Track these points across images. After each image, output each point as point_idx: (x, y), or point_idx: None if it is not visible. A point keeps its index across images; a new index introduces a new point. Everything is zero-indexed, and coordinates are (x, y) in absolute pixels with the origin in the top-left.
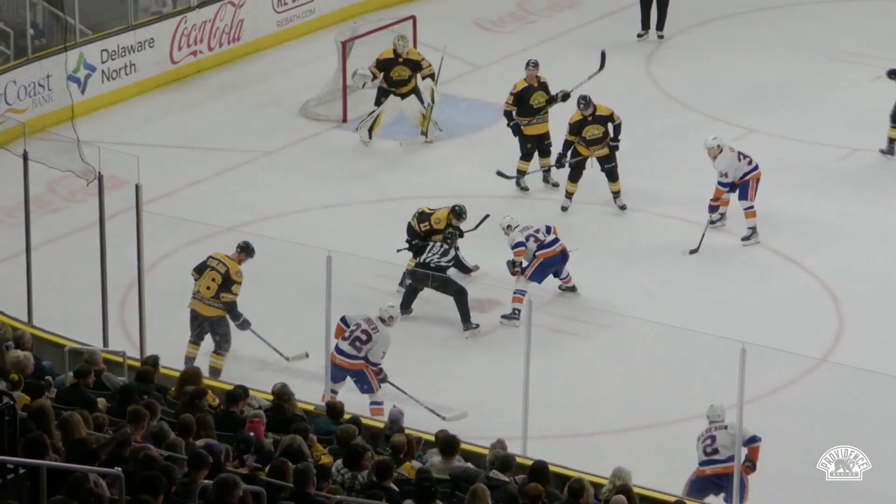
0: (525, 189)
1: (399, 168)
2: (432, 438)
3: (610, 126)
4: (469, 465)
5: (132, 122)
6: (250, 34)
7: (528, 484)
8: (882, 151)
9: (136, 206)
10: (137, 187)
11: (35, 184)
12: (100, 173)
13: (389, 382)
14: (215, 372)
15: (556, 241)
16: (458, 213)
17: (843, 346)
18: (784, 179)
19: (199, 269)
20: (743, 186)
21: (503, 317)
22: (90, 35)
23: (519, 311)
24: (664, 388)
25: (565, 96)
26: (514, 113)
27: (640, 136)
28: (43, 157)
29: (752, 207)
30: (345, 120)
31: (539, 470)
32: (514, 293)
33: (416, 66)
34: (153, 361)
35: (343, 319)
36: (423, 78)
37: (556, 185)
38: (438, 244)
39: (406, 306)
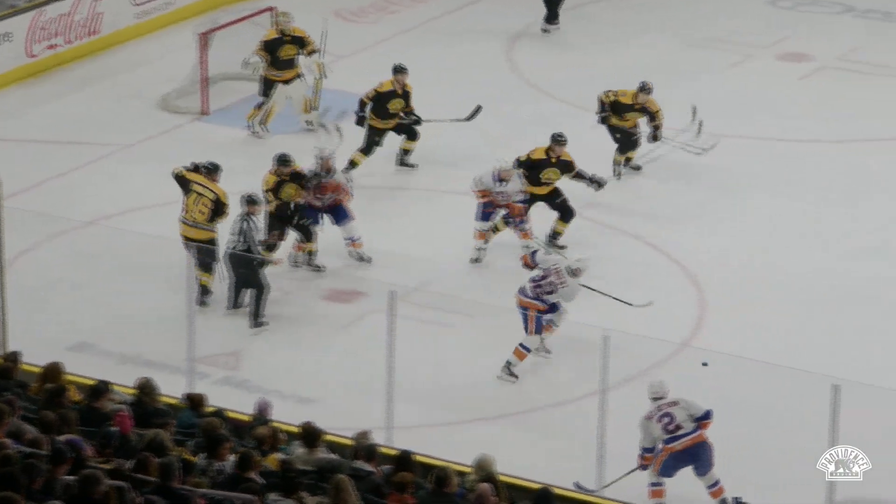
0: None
1: (258, 159)
2: (295, 429)
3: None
4: (333, 455)
5: None
6: (109, 27)
7: (393, 473)
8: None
9: None
10: None
11: None
12: None
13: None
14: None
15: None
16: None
17: (704, 332)
18: (648, 166)
19: (183, 185)
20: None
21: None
22: None
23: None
24: (524, 376)
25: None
26: (368, 107)
27: (503, 125)
28: None
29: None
30: (204, 112)
31: (404, 459)
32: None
33: (301, 42)
34: (13, 358)
35: (533, 255)
36: (309, 54)
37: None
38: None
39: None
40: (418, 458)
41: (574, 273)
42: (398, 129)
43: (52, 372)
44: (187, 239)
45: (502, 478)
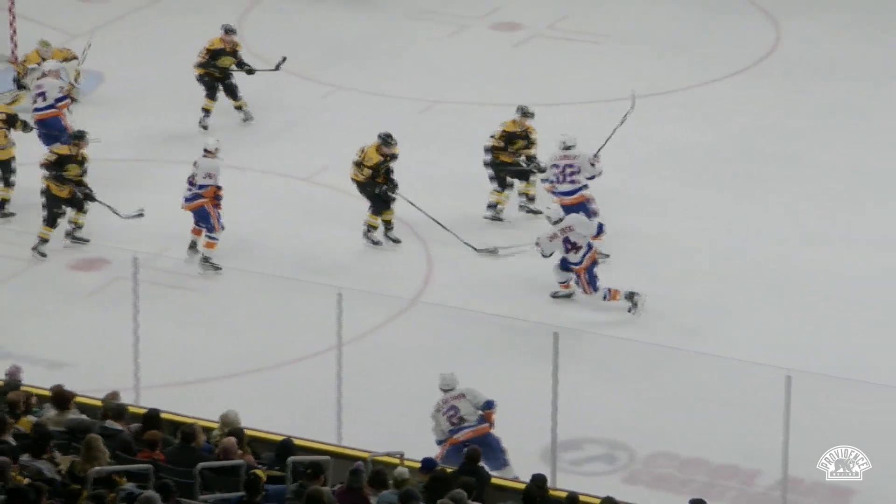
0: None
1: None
2: (46, 393)
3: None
4: (84, 416)
5: None
6: None
7: (142, 431)
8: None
9: None
10: None
11: None
12: None
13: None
14: None
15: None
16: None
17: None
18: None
19: None
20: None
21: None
22: None
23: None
24: (265, 333)
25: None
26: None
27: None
28: None
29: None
30: None
31: (152, 418)
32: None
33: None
34: None
35: None
36: (66, 60)
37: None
38: None
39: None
40: (166, 416)
41: None
42: None
43: None
44: None
45: (248, 432)
